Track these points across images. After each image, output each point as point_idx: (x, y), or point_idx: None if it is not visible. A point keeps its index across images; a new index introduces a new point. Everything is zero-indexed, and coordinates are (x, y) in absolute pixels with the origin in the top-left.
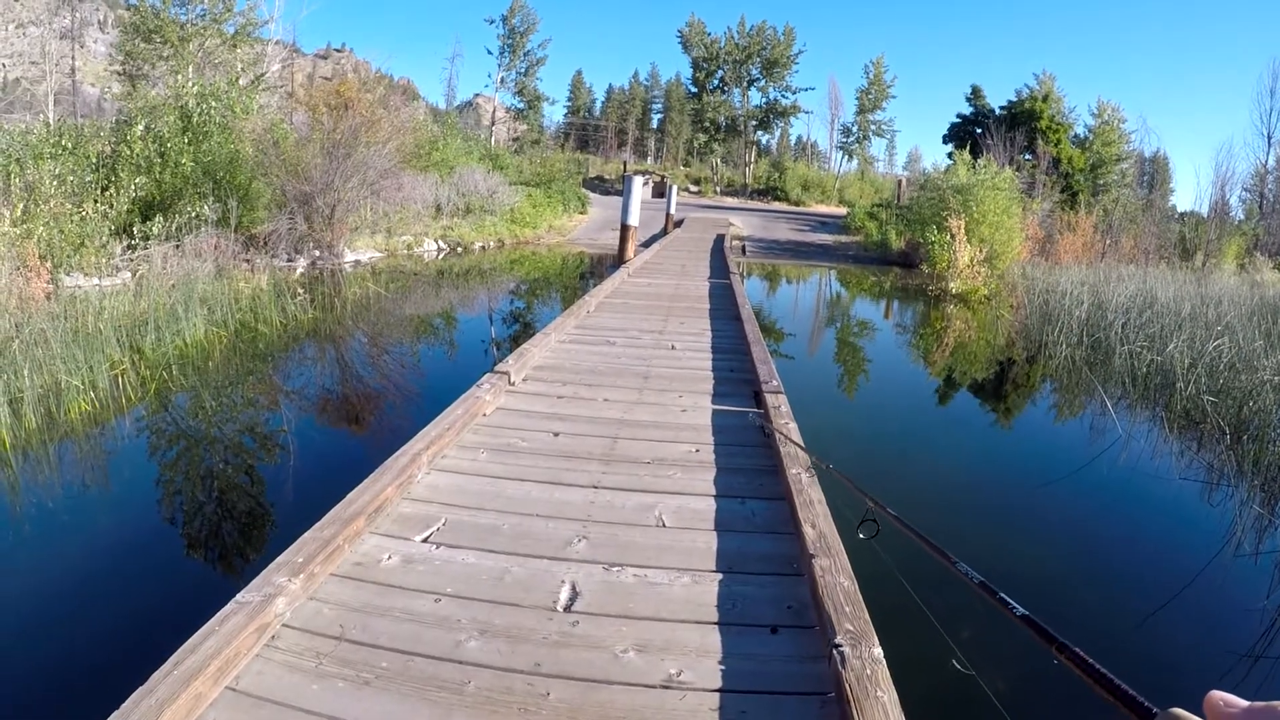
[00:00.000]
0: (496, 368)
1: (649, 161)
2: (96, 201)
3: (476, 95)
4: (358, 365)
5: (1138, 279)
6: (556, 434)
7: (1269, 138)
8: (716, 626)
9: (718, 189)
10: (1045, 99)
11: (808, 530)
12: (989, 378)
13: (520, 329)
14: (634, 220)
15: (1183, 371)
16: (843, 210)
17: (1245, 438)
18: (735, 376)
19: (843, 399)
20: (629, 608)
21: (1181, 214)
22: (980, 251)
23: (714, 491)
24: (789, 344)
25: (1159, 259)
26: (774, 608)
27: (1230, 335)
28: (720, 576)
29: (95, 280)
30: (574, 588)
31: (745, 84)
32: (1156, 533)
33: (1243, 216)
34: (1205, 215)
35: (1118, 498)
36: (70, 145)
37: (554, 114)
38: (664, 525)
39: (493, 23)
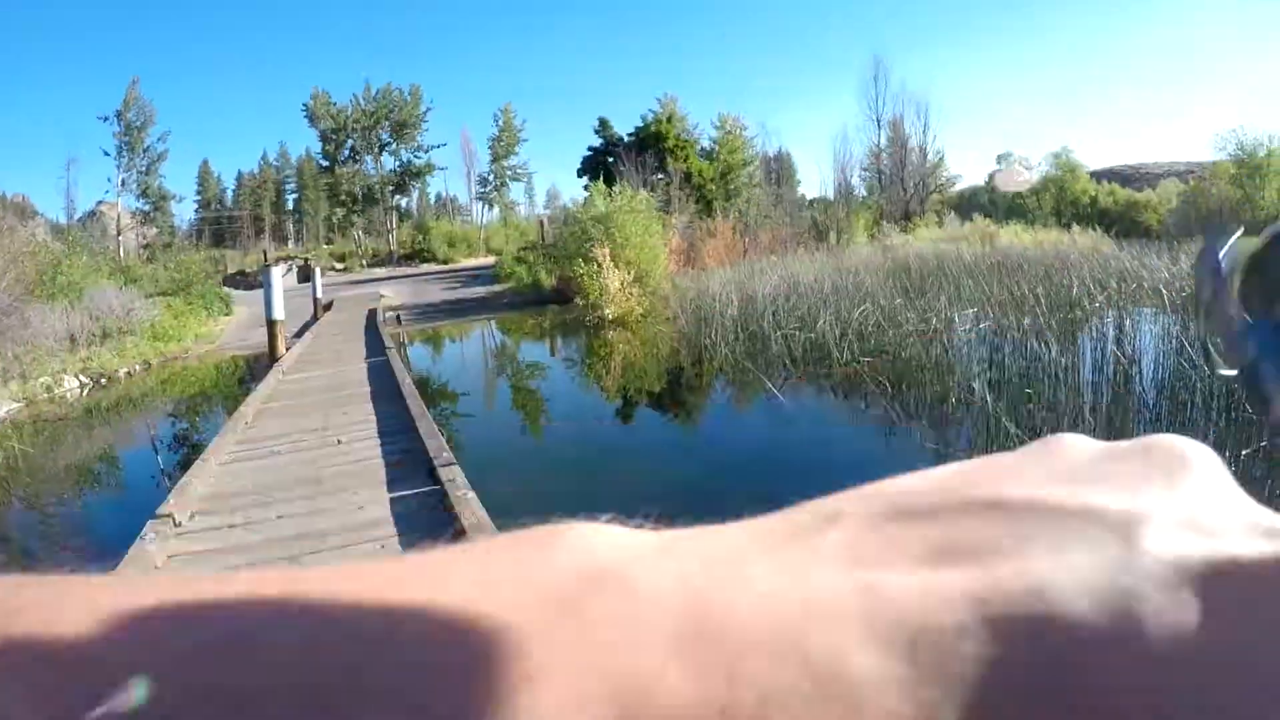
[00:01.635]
0: (158, 511)
1: (290, 246)
2: None
3: (99, 203)
4: (16, 539)
5: (780, 268)
6: (235, 570)
7: (878, 121)
8: None
9: (364, 262)
10: (670, 120)
11: None
12: (665, 389)
13: (188, 452)
14: (279, 314)
15: (835, 342)
16: (492, 260)
17: (904, 384)
18: (408, 458)
19: (529, 444)
20: None
21: (811, 201)
22: (629, 274)
23: None
24: (466, 403)
25: (797, 245)
26: None
27: (872, 300)
28: None
29: None
30: None
31: (377, 150)
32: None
33: (865, 193)
34: (832, 198)
35: (803, 467)
36: None
37: (184, 211)
38: None
39: (107, 120)
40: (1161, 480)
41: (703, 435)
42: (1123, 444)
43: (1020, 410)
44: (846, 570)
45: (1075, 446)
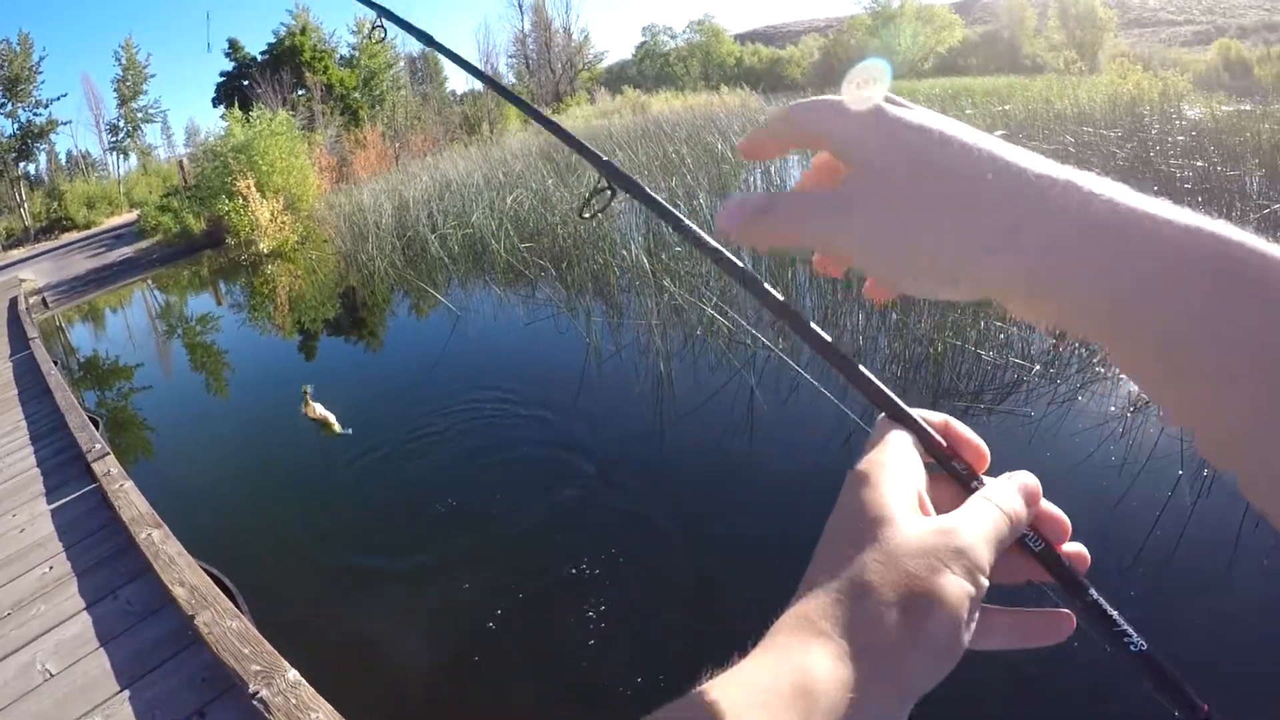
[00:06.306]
0: None
1: None
2: None
3: None
4: None
5: (430, 168)
6: None
7: (520, 7)
8: None
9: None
10: (304, 31)
11: (179, 592)
12: (337, 314)
13: None
14: None
15: (493, 233)
16: (136, 215)
17: (566, 264)
18: (65, 457)
19: (216, 404)
20: None
21: (461, 96)
22: (279, 202)
23: (84, 604)
24: (143, 374)
25: (451, 142)
26: (192, 690)
27: (524, 186)
28: (128, 694)
29: None
30: None
31: None
32: (535, 371)
33: (515, 80)
34: (481, 90)
35: (486, 364)
36: None
37: None
38: (51, 675)
39: None
40: None
41: (381, 353)
42: None
43: (679, 269)
44: None
45: None
